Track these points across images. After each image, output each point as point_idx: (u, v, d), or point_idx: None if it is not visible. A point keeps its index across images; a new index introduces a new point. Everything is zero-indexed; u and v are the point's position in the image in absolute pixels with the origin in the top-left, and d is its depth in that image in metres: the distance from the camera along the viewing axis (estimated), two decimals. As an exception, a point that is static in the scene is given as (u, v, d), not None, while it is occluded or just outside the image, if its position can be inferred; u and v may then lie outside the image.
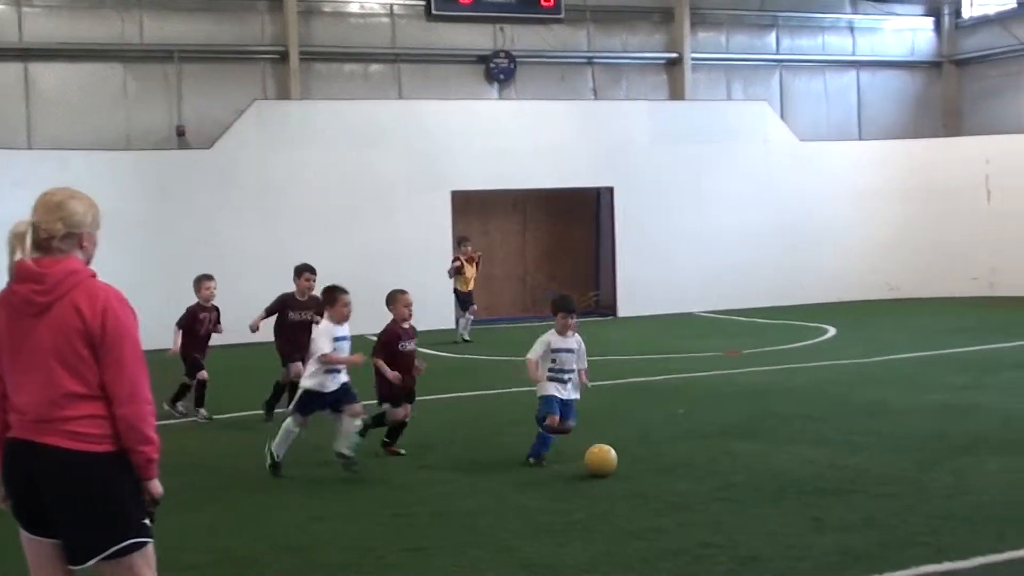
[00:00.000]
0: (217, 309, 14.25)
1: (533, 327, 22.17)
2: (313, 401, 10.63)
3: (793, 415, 12.73)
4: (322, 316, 12.16)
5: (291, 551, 8.08)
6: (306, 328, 12.72)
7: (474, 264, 22.43)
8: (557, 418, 10.55)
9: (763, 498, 9.07)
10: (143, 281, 22.43)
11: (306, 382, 10.70)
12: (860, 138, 29.91)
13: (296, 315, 13.40)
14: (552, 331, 10.82)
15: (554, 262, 27.39)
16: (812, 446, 10.99)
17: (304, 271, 13.56)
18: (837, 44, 30.26)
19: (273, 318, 13.70)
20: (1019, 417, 12.13)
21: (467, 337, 21.96)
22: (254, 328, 13.51)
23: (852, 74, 30.41)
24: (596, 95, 27.66)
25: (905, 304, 26.26)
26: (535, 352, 10.68)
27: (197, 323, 14.08)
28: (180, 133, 24.36)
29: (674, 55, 28.25)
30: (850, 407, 13.15)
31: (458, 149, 24.64)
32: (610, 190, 26.10)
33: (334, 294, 10.95)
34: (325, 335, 10.70)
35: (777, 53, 29.55)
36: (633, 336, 21.78)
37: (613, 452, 10.14)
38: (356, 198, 23.89)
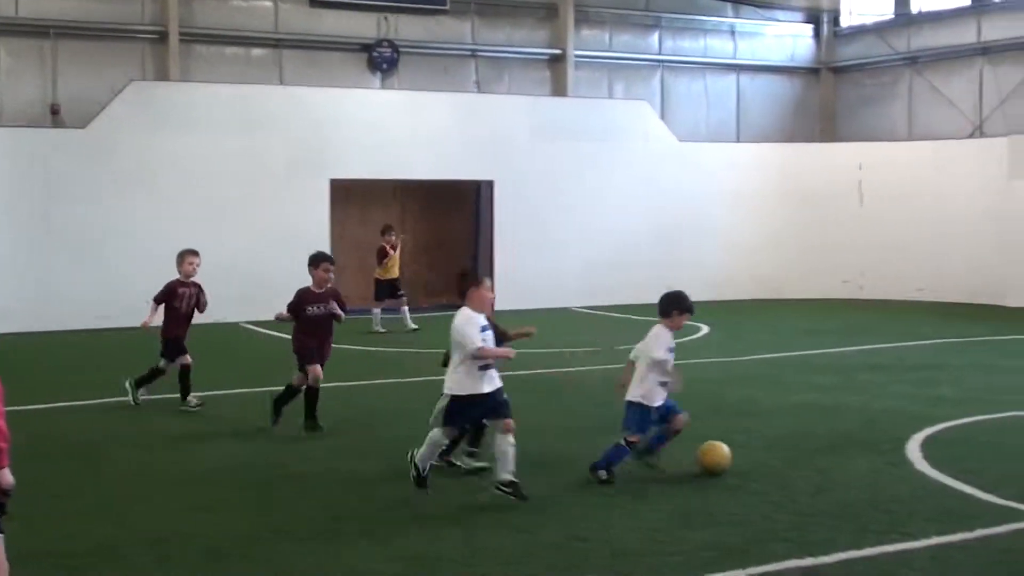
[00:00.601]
0: (199, 285, 13.65)
1: (432, 317, 22.36)
2: (466, 409, 9.15)
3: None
4: (342, 307, 12.06)
5: (158, 543, 8.04)
6: (326, 322, 12.13)
7: (398, 251, 22.48)
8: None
9: (632, 493, 9.28)
10: (11, 261, 22.12)
11: (454, 386, 9.12)
12: (738, 140, 30.51)
13: (315, 309, 12.12)
14: (667, 330, 9.92)
15: (432, 254, 27.44)
16: (680, 443, 11.18)
17: (322, 261, 12.31)
18: (719, 47, 30.83)
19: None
20: (881, 417, 12.53)
21: (413, 325, 21.83)
22: (281, 319, 12.40)
23: (732, 77, 31.00)
24: (479, 88, 27.80)
25: (778, 304, 26.82)
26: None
27: (176, 299, 13.43)
28: (55, 111, 23.92)
29: (557, 51, 28.51)
30: (721, 405, 13.43)
31: (339, 138, 24.58)
32: (490, 184, 26.24)
33: (477, 278, 9.52)
34: (472, 325, 9.15)
35: (659, 54, 30.00)
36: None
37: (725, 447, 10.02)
38: (236, 183, 23.70)
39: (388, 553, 7.72)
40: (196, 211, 23.16)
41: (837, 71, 31.91)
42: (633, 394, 9.82)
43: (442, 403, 9.18)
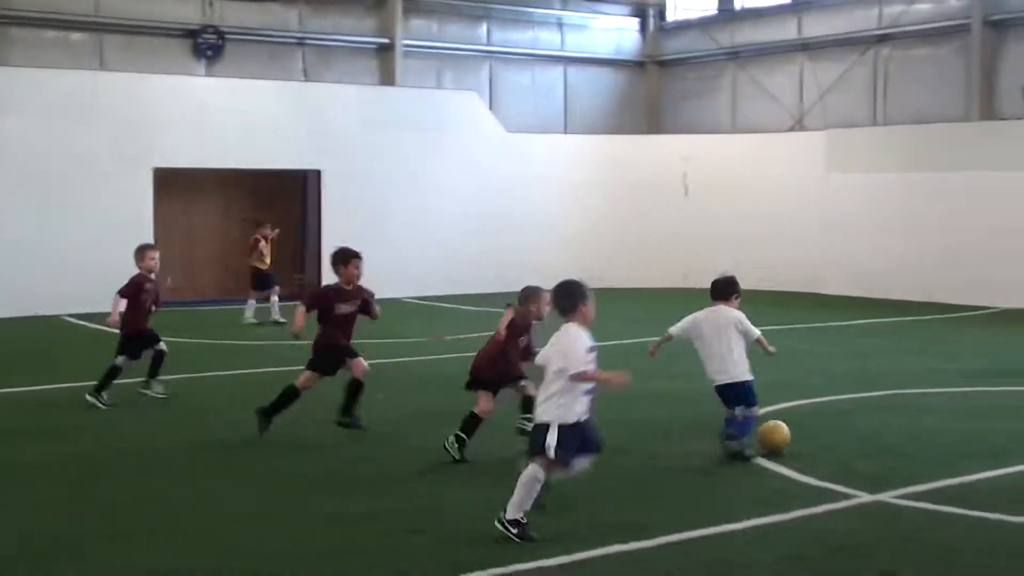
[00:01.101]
0: (155, 280, 13.18)
1: (235, 310, 21.97)
2: (573, 437, 7.69)
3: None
4: (369, 307, 11.43)
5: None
6: (352, 320, 11.54)
7: (270, 242, 22.09)
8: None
9: (465, 480, 9.29)
10: None
11: (553, 412, 7.70)
12: (566, 132, 30.77)
13: (346, 307, 11.51)
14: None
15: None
16: (511, 433, 11.19)
17: (352, 257, 11.71)
18: (547, 39, 31.03)
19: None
20: (704, 402, 12.62)
21: (280, 318, 21.11)
22: (298, 335, 11.29)
23: (560, 69, 31.24)
24: (306, 76, 27.47)
25: (607, 294, 26.97)
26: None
27: (143, 293, 12.94)
28: None
29: (386, 41, 28.35)
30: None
31: (162, 125, 23.99)
32: (318, 174, 25.95)
33: (583, 290, 8.34)
34: (582, 343, 7.96)
35: (488, 44, 30.07)
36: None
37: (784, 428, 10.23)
38: (57, 172, 22.92)
39: (214, 549, 7.54)
40: (16, 200, 22.42)
41: (662, 65, 32.41)
42: (746, 373, 10.13)
43: (550, 434, 7.64)
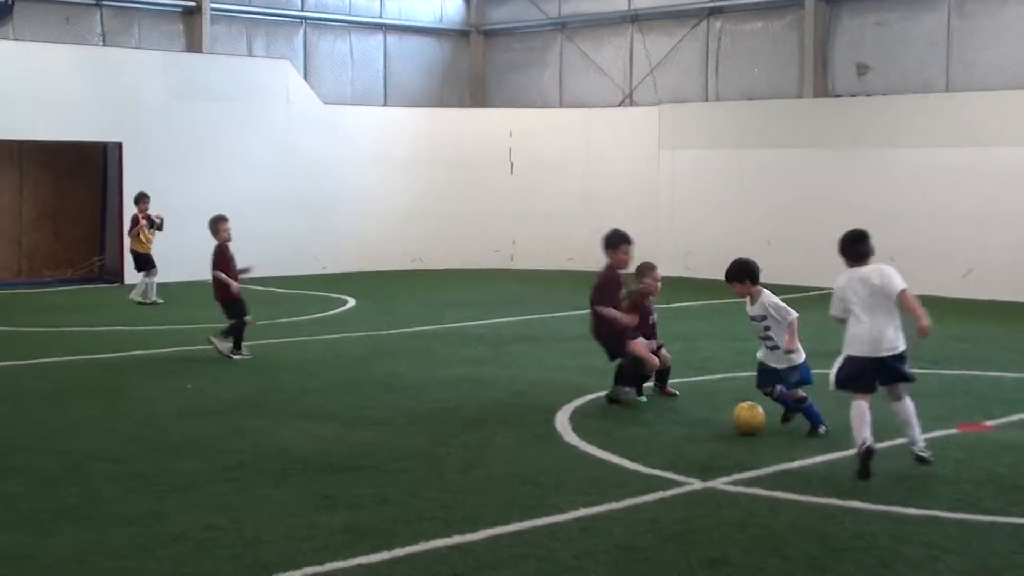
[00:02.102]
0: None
1: (31, 293, 21.30)
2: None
3: (304, 389, 12.81)
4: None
5: None
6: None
7: (154, 223, 21.61)
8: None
9: (270, 477, 9.06)
10: None
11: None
12: (386, 104, 30.53)
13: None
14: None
15: (57, 222, 26.20)
16: (322, 421, 11.11)
17: (622, 242, 12.24)
18: (364, 5, 30.70)
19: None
20: (532, 390, 12.75)
21: (159, 300, 21.07)
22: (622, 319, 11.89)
23: (379, 37, 30.95)
24: (105, 41, 26.65)
25: (427, 275, 27.03)
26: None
27: (232, 260, 15.12)
28: None
29: (192, 4, 27.67)
30: (364, 381, 13.39)
31: (-56, 93, 23.07)
32: (118, 146, 25.24)
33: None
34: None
35: (302, 10, 29.60)
36: (142, 306, 21.19)
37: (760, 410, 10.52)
38: None
39: (-11, 554, 7.22)
40: None
41: (487, 35, 32.40)
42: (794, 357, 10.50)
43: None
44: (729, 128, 26.35)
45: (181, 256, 23.68)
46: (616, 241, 12.19)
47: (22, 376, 14.02)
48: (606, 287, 11.95)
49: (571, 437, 10.38)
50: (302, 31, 29.61)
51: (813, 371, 10.62)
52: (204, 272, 24.99)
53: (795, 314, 10.53)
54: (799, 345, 10.42)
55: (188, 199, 25.31)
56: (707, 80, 28.03)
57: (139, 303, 21.09)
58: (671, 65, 28.61)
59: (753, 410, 10.51)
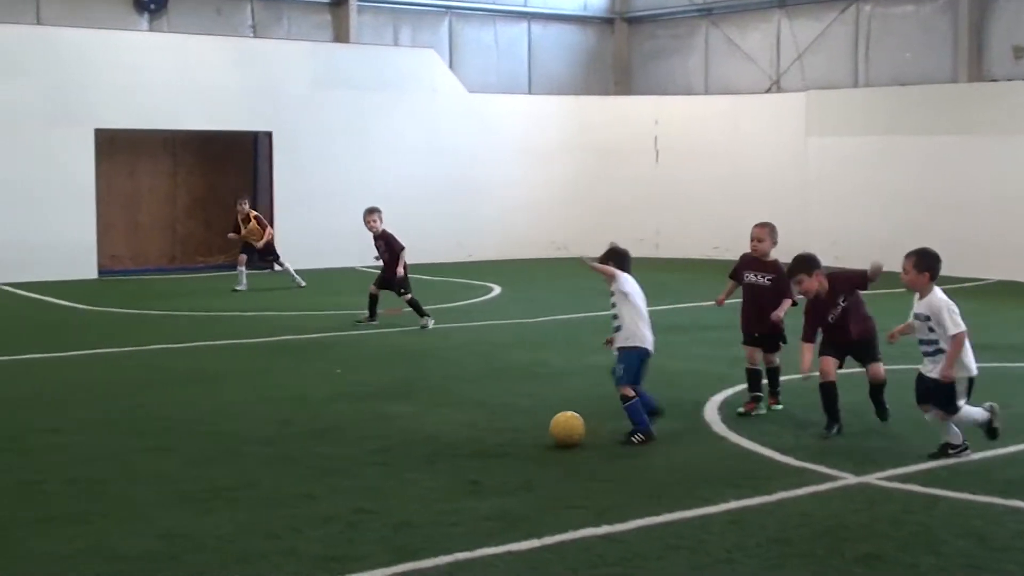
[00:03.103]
0: (385, 237, 17.05)
1: (184, 278, 21.75)
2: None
3: (449, 376, 12.86)
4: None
5: None
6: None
7: (253, 220, 21.86)
8: None
9: (418, 462, 9.10)
10: None
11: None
12: (530, 92, 30.52)
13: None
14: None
15: (208, 210, 26.72)
16: (468, 409, 11.14)
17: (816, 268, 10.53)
18: (510, -6, 30.73)
19: None
20: (679, 380, 12.63)
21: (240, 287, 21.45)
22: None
23: (523, 26, 30.94)
24: (255, 33, 27.09)
25: (571, 263, 26.95)
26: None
27: (376, 249, 17.00)
28: None
29: (339, -5, 28.00)
30: (510, 368, 13.41)
31: (103, 84, 23.64)
32: (268, 135, 25.66)
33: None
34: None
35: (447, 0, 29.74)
36: (291, 291, 21.50)
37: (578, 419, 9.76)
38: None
39: (145, 531, 7.35)
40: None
41: (632, 22, 32.19)
42: None
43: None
44: (879, 115, 25.78)
45: (329, 244, 24.04)
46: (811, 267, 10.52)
47: (176, 359, 14.31)
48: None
49: (720, 428, 10.26)
50: (447, 20, 29.73)
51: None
52: (352, 258, 25.54)
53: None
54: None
55: (336, 188, 25.67)
56: (856, 65, 27.47)
57: (299, 285, 21.59)
58: (819, 50, 28.10)
59: (571, 421, 9.72)
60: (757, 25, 29.45)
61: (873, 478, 8.58)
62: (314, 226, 25.42)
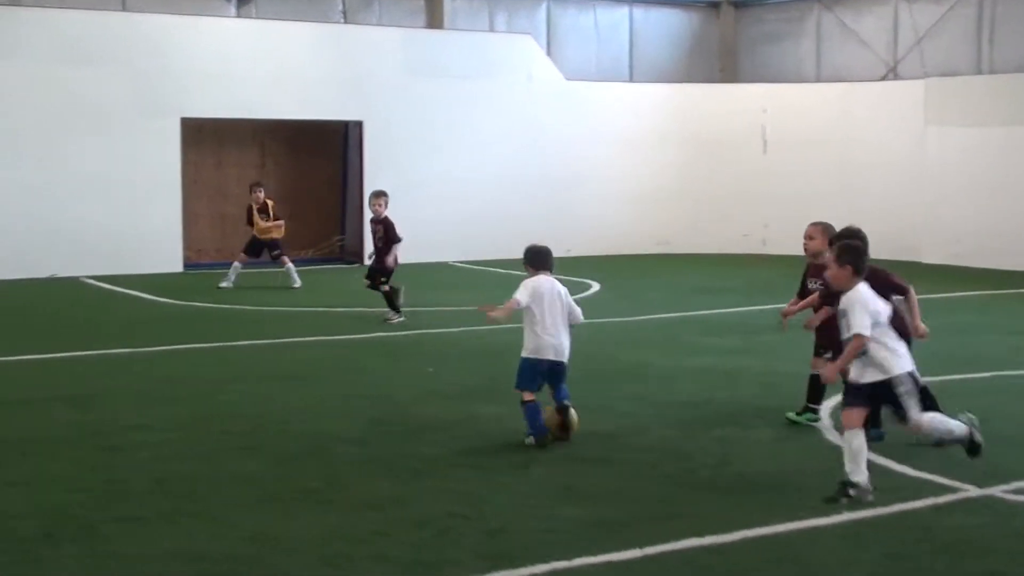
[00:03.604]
0: (384, 224, 16.96)
1: (272, 272, 21.92)
2: None
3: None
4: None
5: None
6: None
7: (269, 212, 21.83)
8: None
9: (512, 465, 9.11)
10: None
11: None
12: (631, 80, 30.41)
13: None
14: None
15: (296, 202, 26.89)
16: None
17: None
18: (611, -24, 30.64)
19: None
20: (784, 383, 12.49)
21: (227, 285, 21.37)
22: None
23: (624, 11, 30.80)
24: (346, 19, 27.27)
25: (674, 260, 26.87)
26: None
27: (372, 234, 17.24)
28: None
29: (432, -21, 28.11)
30: (608, 369, 13.37)
31: (190, 72, 23.90)
32: (359, 124, 25.82)
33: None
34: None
35: (545, -16, 29.74)
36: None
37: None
38: (68, 122, 22.89)
39: (231, 533, 7.45)
40: (18, 153, 22.42)
41: (738, 6, 31.92)
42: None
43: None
44: (1003, 103, 25.30)
45: (422, 238, 24.09)
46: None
47: (262, 356, 14.47)
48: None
49: (832, 435, 10.11)
50: (545, 5, 29.70)
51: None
52: (445, 253, 25.65)
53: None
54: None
55: (427, 179, 25.77)
56: (979, 51, 27.01)
57: (294, 285, 21.26)
58: (940, 35, 27.67)
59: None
60: (873, 8, 29.07)
61: (998, 491, 8.42)
62: (405, 219, 25.40)
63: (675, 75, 30.86)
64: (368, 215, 25.01)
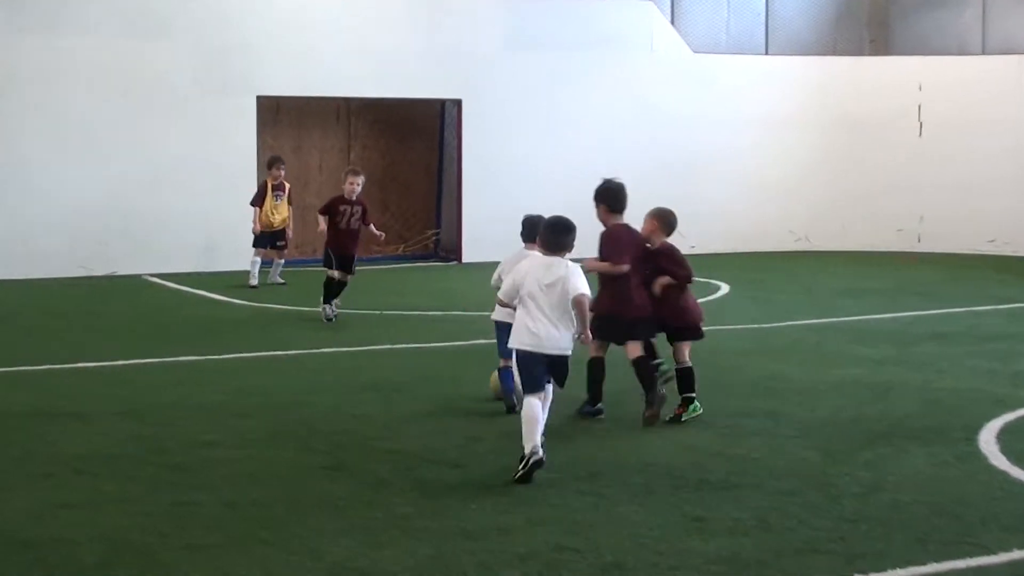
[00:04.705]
0: (362, 205, 17.81)
1: (358, 271, 22.05)
2: None
3: (671, 390, 12.76)
4: None
5: (26, 547, 7.79)
6: None
7: (287, 195, 22.00)
8: None
9: (631, 492, 9.08)
10: None
11: None
12: (767, 52, 30.20)
13: None
14: None
15: (386, 191, 27.10)
16: (692, 429, 11.10)
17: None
18: (743, -65, 30.48)
19: None
20: (947, 399, 12.36)
21: (280, 280, 21.83)
22: None
23: (760, -26, 30.67)
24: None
25: (814, 258, 26.69)
26: None
27: (337, 214, 17.57)
28: None
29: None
30: (741, 382, 13.32)
31: (265, 45, 24.13)
32: (457, 104, 25.92)
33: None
34: None
35: (669, -56, 29.65)
36: (480, 287, 21.64)
37: None
38: (131, 101, 23.23)
39: (311, 564, 7.50)
40: (77, 134, 22.79)
41: (892, -33, 31.66)
42: None
43: None
44: None
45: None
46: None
47: (346, 364, 14.56)
48: None
49: (999, 461, 9.98)
50: (669, -33, 29.64)
51: None
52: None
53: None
54: None
55: (533, 165, 25.80)
56: None
57: (280, 282, 21.78)
58: None
59: None
60: (1048, -31, 28.66)
61: None
62: (509, 207, 25.43)
63: (817, 47, 30.59)
64: (468, 205, 25.37)
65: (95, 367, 14.19)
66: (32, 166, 22.35)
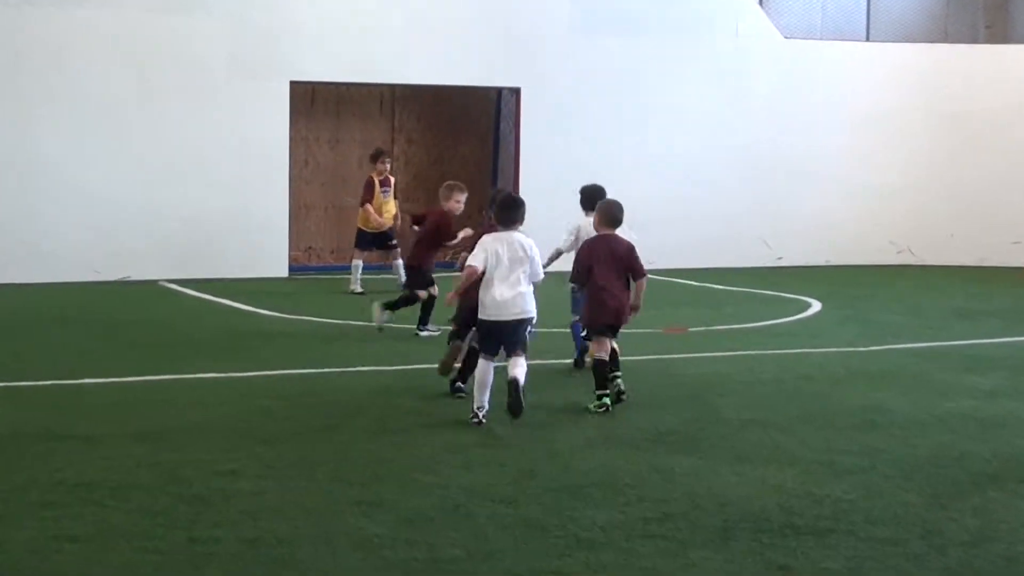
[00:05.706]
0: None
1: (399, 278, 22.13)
2: None
3: (751, 421, 12.75)
4: None
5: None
6: None
7: (392, 190, 22.27)
8: None
9: (708, 536, 9.05)
10: None
11: None
12: (868, 39, 30.11)
13: None
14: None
15: (435, 187, 27.07)
16: (777, 465, 11.03)
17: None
18: (843, -92, 30.45)
19: None
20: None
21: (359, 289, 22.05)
22: None
23: (862, -50, 30.62)
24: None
25: (918, 272, 26.59)
26: None
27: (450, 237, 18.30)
28: None
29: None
30: (834, 413, 13.24)
31: (302, 25, 24.30)
32: (516, 92, 25.95)
33: None
34: None
35: (761, -83, 29.64)
36: (539, 299, 21.62)
37: None
38: (154, 82, 23.46)
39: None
40: (94, 118, 23.02)
41: (1013, -57, 31.54)
42: None
43: None
44: None
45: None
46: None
47: (385, 385, 14.56)
48: None
49: None
50: (759, -57, 29.62)
51: None
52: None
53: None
54: None
55: (601, 159, 25.74)
56: None
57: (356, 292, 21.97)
58: None
59: None
60: None
61: None
62: (572, 209, 25.48)
63: (926, 33, 30.52)
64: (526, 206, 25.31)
65: (106, 383, 14.26)
66: (45, 156, 22.54)
